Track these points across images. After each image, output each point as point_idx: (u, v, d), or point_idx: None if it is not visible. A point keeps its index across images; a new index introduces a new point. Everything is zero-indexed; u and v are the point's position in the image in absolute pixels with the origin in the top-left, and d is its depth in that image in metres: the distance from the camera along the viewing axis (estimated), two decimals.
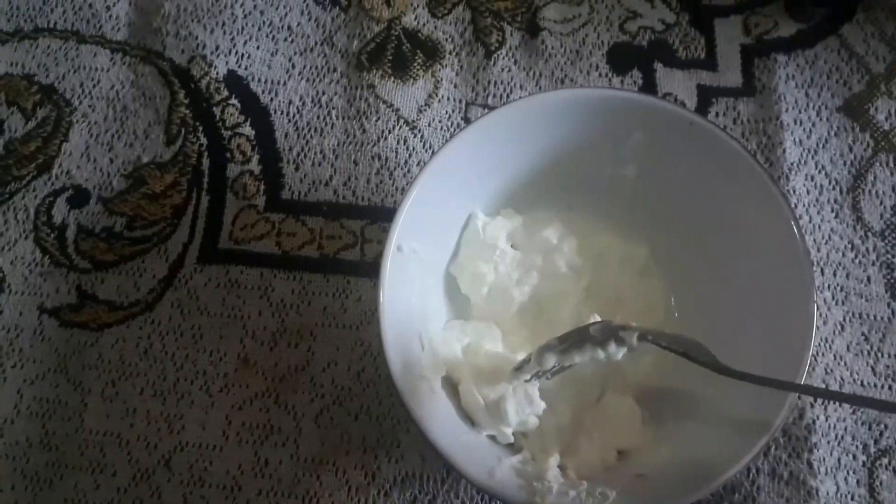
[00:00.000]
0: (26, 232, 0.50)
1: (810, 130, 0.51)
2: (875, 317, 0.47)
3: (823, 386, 0.45)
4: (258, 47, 0.54)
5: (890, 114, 0.51)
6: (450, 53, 0.54)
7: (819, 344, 0.46)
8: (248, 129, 0.52)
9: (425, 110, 0.52)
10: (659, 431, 0.40)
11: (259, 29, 0.54)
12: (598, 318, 0.38)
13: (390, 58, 0.53)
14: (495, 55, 0.53)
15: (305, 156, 0.51)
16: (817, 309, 0.40)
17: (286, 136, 0.52)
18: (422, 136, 0.51)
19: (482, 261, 0.43)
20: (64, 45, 0.54)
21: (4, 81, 0.53)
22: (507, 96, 0.52)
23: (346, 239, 0.49)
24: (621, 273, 0.45)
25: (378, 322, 0.36)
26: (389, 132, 0.51)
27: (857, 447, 0.44)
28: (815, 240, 0.48)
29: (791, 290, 0.37)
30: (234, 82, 0.53)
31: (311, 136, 0.52)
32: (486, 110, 0.52)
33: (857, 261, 0.48)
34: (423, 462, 0.44)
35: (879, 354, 0.46)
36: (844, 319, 0.47)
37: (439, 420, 0.36)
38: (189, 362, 0.46)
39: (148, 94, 0.53)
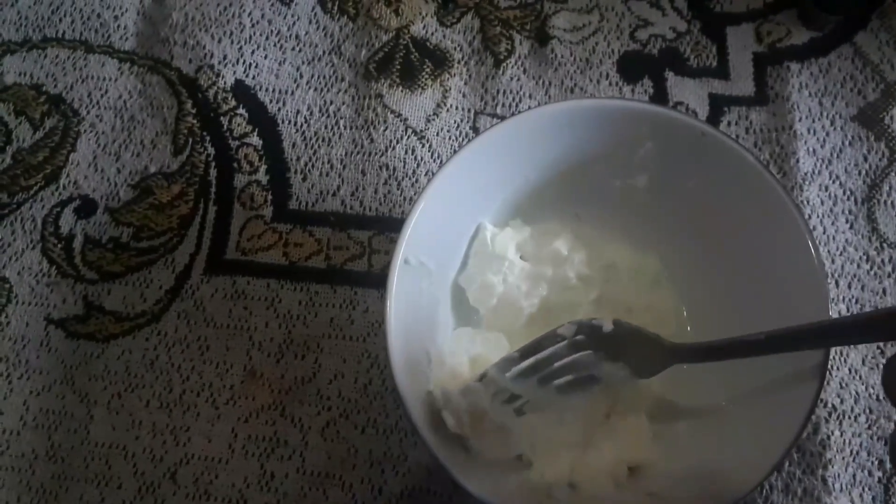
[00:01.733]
0: (33, 242, 0.49)
1: (824, 140, 0.50)
2: None
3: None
4: (266, 56, 0.54)
5: None
6: (458, 62, 0.53)
7: (834, 357, 0.45)
8: (255, 139, 0.52)
9: (434, 120, 0.52)
10: (671, 447, 0.39)
11: (267, 38, 0.54)
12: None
13: (398, 67, 0.53)
14: (504, 64, 0.53)
15: (313, 166, 0.51)
16: None
17: (294, 145, 0.51)
18: (430, 146, 0.51)
19: (491, 272, 0.43)
20: (72, 55, 0.54)
21: (13, 91, 0.53)
22: (517, 105, 0.52)
23: (354, 250, 0.49)
24: (632, 285, 0.44)
25: (385, 334, 0.35)
26: (397, 142, 0.51)
27: (872, 463, 0.43)
28: (829, 251, 0.48)
29: (805, 303, 0.37)
30: (242, 92, 0.53)
31: (319, 146, 0.51)
32: (494, 120, 0.51)
33: (872, 272, 0.47)
34: (430, 476, 0.44)
35: None
36: None
37: (446, 434, 0.36)
38: (195, 374, 0.46)
39: (155, 104, 0.53)
